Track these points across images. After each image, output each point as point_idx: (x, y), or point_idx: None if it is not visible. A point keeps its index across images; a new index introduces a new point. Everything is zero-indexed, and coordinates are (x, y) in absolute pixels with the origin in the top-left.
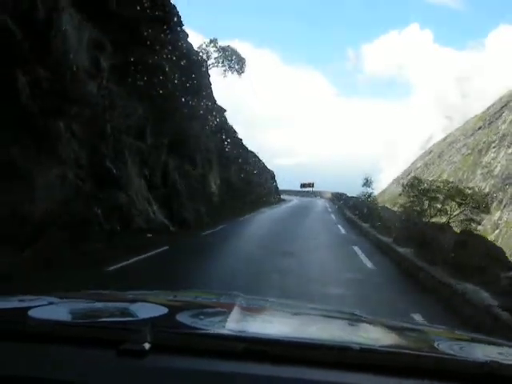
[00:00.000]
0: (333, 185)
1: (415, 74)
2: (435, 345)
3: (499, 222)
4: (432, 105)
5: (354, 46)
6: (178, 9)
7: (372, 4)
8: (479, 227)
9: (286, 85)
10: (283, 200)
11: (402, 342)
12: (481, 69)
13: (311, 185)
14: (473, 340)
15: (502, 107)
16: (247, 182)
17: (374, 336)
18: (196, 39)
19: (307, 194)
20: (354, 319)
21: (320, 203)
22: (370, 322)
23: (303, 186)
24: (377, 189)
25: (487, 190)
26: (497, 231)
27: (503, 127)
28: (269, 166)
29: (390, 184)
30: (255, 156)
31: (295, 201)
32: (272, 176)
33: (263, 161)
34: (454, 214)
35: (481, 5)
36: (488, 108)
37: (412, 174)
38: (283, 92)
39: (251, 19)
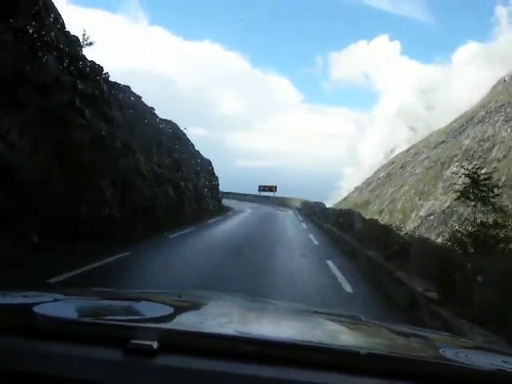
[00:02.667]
0: (295, 190)
1: (381, 84)
2: (440, 351)
3: None
4: (397, 115)
5: (322, 54)
6: None
7: (343, 13)
8: None
9: (254, 88)
10: (226, 211)
11: (407, 348)
12: (446, 83)
13: (273, 189)
14: (477, 348)
15: (466, 122)
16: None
17: (380, 341)
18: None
19: (267, 201)
20: (359, 323)
21: (289, 220)
22: (375, 327)
23: (262, 189)
24: (338, 196)
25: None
26: None
27: (466, 142)
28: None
29: (351, 192)
30: (176, 128)
31: (247, 213)
32: (209, 170)
33: (195, 146)
34: None
35: (451, 21)
36: (452, 122)
37: (374, 184)
38: (251, 95)
39: (222, 21)
